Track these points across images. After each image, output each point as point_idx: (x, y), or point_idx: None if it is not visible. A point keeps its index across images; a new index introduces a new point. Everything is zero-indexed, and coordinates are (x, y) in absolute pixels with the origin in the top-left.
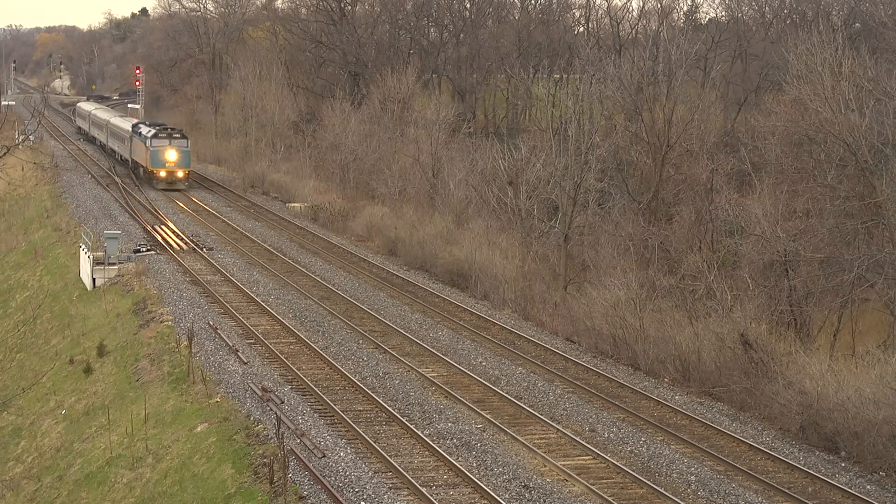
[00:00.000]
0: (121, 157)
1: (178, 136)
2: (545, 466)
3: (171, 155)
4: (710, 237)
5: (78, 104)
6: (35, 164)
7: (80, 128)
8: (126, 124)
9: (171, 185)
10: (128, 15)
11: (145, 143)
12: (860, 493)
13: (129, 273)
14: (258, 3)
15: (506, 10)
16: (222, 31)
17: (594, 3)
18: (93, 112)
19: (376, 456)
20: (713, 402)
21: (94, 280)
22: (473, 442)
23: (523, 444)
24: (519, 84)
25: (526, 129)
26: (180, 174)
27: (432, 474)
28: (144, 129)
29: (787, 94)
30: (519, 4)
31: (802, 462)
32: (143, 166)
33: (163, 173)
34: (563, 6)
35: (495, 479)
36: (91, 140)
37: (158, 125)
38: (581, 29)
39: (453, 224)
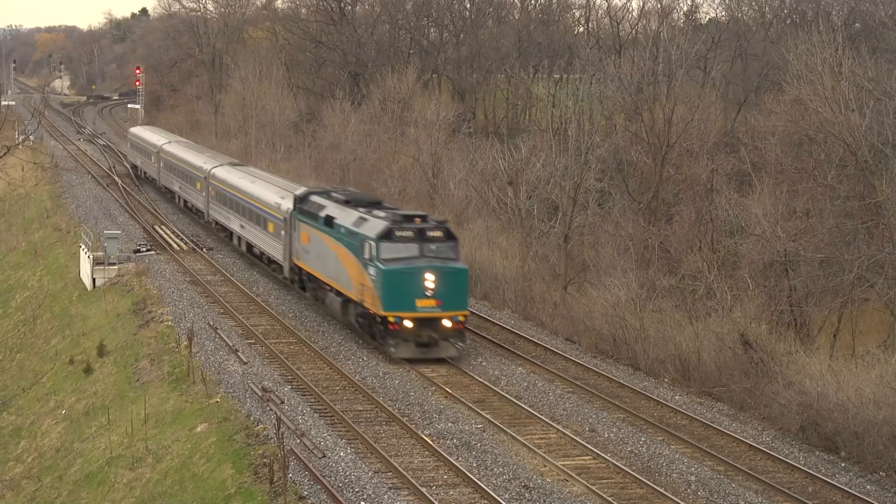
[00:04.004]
0: (253, 248)
1: (437, 232)
2: (545, 466)
3: (430, 279)
4: (710, 237)
5: (132, 129)
6: (35, 164)
7: (135, 166)
8: (270, 193)
9: (426, 352)
10: (128, 15)
11: (360, 252)
12: (860, 493)
13: (129, 273)
14: (258, 3)
15: (506, 10)
16: (222, 31)
17: (594, 3)
18: (166, 148)
19: (376, 456)
20: (713, 402)
21: (94, 280)
22: (473, 442)
23: (523, 444)
24: (519, 84)
25: (526, 129)
26: (447, 323)
27: (432, 474)
28: (344, 214)
29: (787, 94)
30: (519, 4)
31: (802, 462)
32: (350, 299)
33: (409, 323)
34: (563, 6)
35: (495, 479)
36: (163, 190)
37: (373, 203)
38: (581, 29)
39: (453, 224)
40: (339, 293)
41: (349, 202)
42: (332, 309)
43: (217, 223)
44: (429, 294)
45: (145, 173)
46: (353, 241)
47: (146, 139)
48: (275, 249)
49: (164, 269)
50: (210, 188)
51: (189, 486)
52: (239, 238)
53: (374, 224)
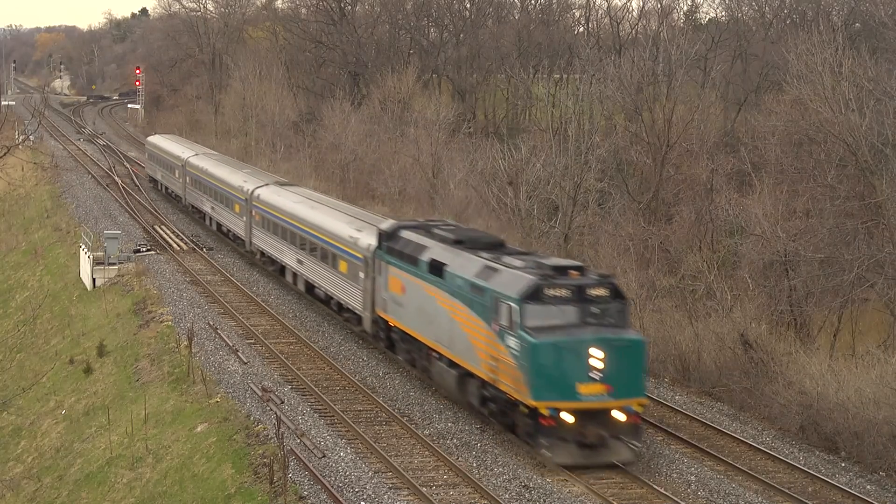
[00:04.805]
0: (316, 288)
1: (601, 289)
2: (545, 466)
3: (597, 356)
4: (710, 237)
5: (151, 138)
6: (35, 164)
7: (154, 180)
8: (341, 224)
9: (591, 456)
10: (128, 15)
11: (490, 314)
12: (860, 493)
13: (129, 273)
14: (258, 3)
15: (506, 10)
16: (222, 31)
17: (594, 3)
18: (192, 161)
19: (376, 456)
20: (713, 402)
21: (94, 280)
22: (473, 442)
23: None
24: (519, 84)
25: (526, 129)
26: (619, 415)
27: (432, 474)
28: (458, 259)
29: (787, 94)
30: (519, 4)
31: (802, 462)
32: (471, 374)
33: (569, 417)
34: (563, 6)
35: (495, 479)
36: (190, 210)
37: (495, 245)
38: (581, 29)
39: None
40: (452, 364)
41: (461, 242)
42: (443, 383)
43: (264, 254)
44: (596, 377)
45: (167, 189)
46: (478, 298)
47: (168, 150)
48: (349, 295)
49: (164, 269)
50: (254, 212)
51: (189, 486)
52: (295, 275)
53: (513, 278)
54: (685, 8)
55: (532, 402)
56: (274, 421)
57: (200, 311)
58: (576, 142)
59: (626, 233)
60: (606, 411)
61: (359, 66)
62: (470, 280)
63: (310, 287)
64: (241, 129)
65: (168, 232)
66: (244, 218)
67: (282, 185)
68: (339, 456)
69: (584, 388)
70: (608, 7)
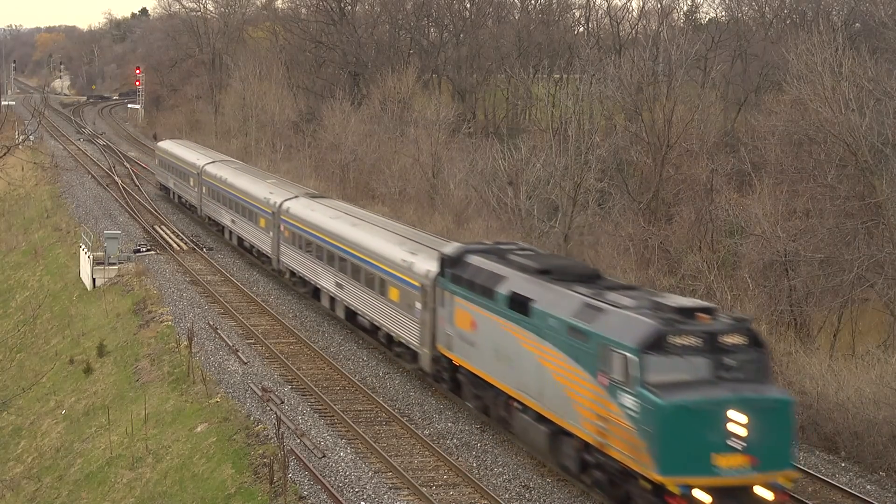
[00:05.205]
0: (359, 316)
1: (736, 336)
2: (545, 466)
3: (738, 421)
4: (710, 237)
5: (161, 144)
6: (35, 164)
7: (166, 188)
8: (391, 245)
9: None
10: (128, 15)
11: (596, 364)
12: (860, 493)
13: (129, 273)
14: (258, 3)
15: (506, 10)
16: (222, 31)
17: (594, 3)
18: (209, 170)
19: (376, 456)
20: None
21: (94, 280)
22: (473, 442)
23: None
24: (519, 84)
25: (526, 129)
26: (765, 492)
27: (432, 474)
28: (548, 294)
29: (787, 94)
30: (519, 4)
31: (802, 462)
32: (568, 433)
33: (704, 496)
34: (563, 6)
35: (495, 479)
36: (206, 222)
37: (589, 277)
38: (581, 29)
39: (453, 224)
40: (541, 418)
41: (547, 272)
42: (528, 440)
43: (294, 274)
44: (737, 446)
45: (180, 198)
46: (578, 343)
47: (182, 157)
48: (402, 328)
49: (164, 269)
50: (282, 227)
51: (189, 486)
52: (332, 300)
53: (626, 321)
54: (685, 8)
55: (658, 478)
56: (274, 421)
57: (200, 311)
58: (576, 142)
59: (626, 233)
60: (749, 488)
61: (359, 66)
62: (566, 321)
63: (350, 314)
64: (241, 129)
65: (168, 232)
66: (270, 233)
67: (313, 197)
68: (339, 456)
69: (722, 460)
70: (608, 7)
